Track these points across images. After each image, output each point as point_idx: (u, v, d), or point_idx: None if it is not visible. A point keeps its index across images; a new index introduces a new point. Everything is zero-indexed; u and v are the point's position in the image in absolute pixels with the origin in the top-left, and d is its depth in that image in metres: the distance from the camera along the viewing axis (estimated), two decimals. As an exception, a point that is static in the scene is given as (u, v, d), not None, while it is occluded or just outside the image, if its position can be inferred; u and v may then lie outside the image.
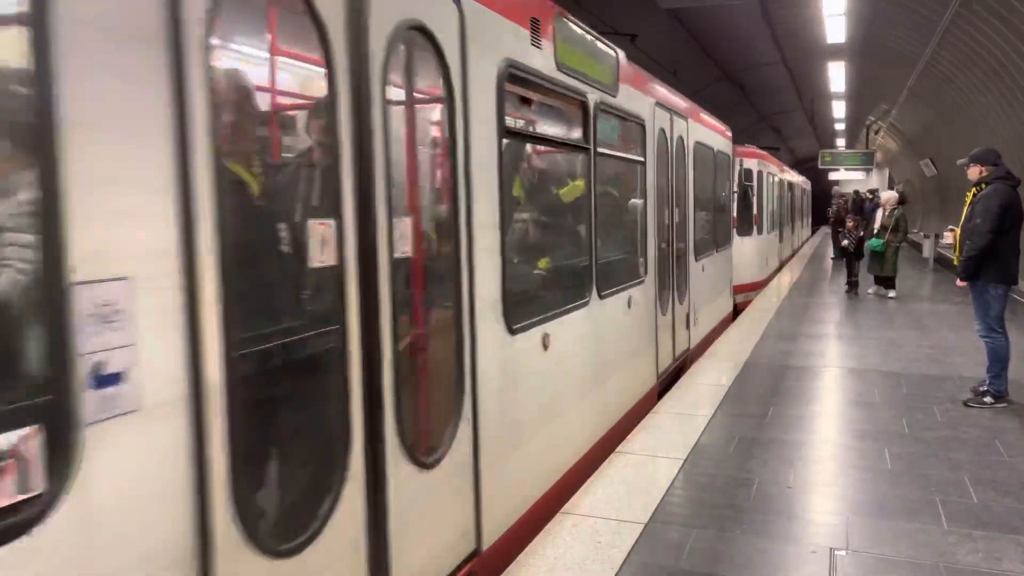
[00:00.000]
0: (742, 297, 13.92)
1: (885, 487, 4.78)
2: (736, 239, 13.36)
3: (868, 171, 32.68)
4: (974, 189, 6.67)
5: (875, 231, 13.27)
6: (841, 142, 41.78)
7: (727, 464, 5.19)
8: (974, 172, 6.66)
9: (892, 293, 13.70)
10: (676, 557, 3.82)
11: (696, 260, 8.91)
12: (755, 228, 15.67)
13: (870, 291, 14.14)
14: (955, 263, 6.91)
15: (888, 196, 13.95)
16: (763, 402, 6.80)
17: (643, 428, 5.97)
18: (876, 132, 32.05)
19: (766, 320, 11.30)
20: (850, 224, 14.83)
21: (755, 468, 5.10)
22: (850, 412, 6.55)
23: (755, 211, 15.66)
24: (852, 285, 14.45)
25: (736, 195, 13.99)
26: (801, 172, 33.51)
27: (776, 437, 5.78)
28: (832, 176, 35.61)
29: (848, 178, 36.98)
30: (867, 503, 4.55)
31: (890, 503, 4.52)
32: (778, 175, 19.63)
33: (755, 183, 15.69)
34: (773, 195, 18.22)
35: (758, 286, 15.57)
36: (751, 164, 15.75)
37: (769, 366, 8.29)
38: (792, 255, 23.95)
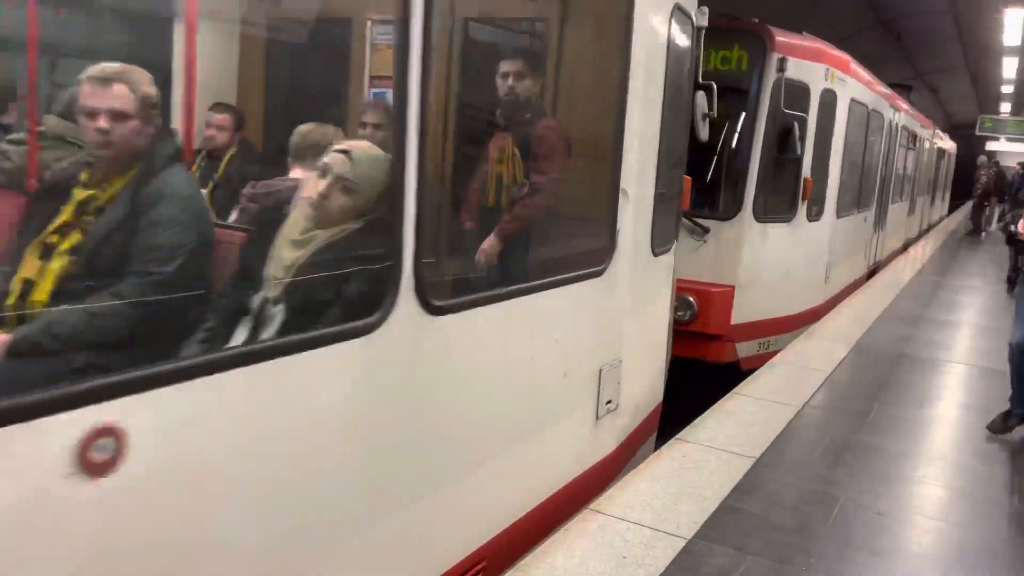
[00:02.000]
0: (754, 347, 7.42)
1: (1007, 530, 3.82)
2: (752, 228, 7.09)
3: (1034, 142, 29.19)
4: None
5: None
6: (1006, 108, 37.58)
7: (808, 472, 4.33)
8: None
9: None
10: (717, 591, 3.08)
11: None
12: (805, 206, 7.77)
13: None
14: None
15: None
16: (867, 397, 5.80)
17: (716, 412, 5.15)
18: (1051, 99, 28.41)
19: (887, 300, 9.99)
20: None
21: (841, 481, 4.22)
22: (974, 422, 5.46)
23: (806, 172, 7.68)
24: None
25: (759, 137, 7.06)
26: (953, 138, 30.17)
27: (875, 443, 4.84)
28: (990, 146, 32.14)
29: (1009, 149, 33.32)
30: (978, 549, 3.62)
31: (1009, 553, 3.58)
32: (886, 113, 11.44)
33: (812, 114, 7.65)
34: (864, 145, 10.12)
35: (808, 318, 8.25)
36: (809, 74, 7.54)
37: (882, 353, 7.19)
38: (904, 248, 16.33)
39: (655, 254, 4.41)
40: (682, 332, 6.39)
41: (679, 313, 6.49)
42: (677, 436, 4.65)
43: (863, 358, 6.98)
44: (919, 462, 4.66)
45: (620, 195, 3.81)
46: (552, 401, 3.54)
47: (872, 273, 12.37)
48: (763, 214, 7.22)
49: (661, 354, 4.94)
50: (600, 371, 3.87)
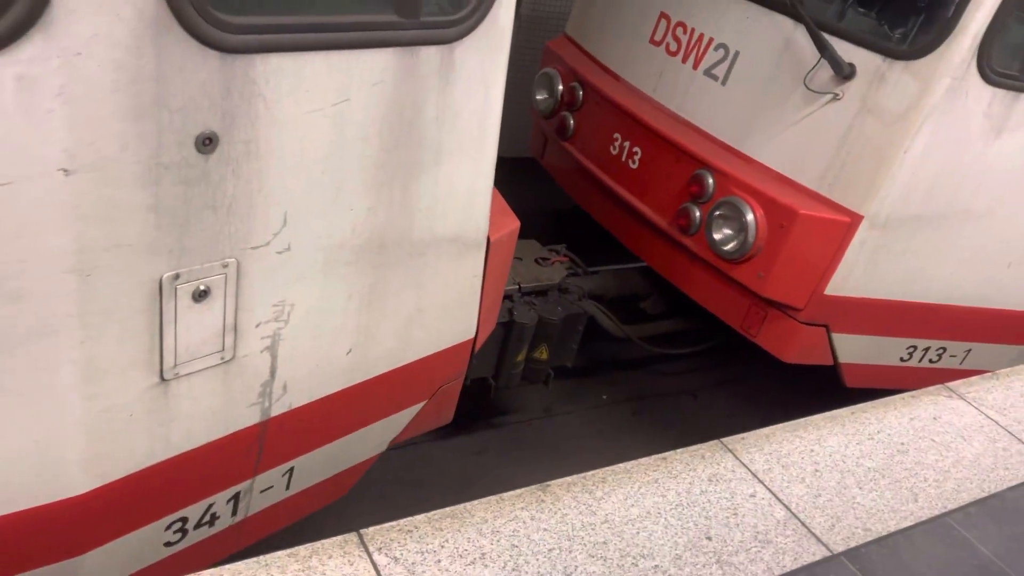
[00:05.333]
0: (889, 350, 3.89)
1: None
2: (962, 91, 3.12)
3: None
4: None
5: None
6: None
7: None
8: None
9: None
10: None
11: None
12: None
13: None
14: None
15: None
16: None
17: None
18: None
19: None
20: None
21: None
22: None
23: None
24: None
25: None
26: None
27: None
28: None
29: None
30: None
31: None
32: None
33: None
34: None
35: None
36: None
37: None
38: None
39: None
40: (718, 274, 3.62)
41: (720, 234, 3.50)
42: (946, 385, 3.40)
43: None
44: None
45: None
46: None
47: None
48: (1010, 63, 3.17)
49: (472, 237, 2.58)
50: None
